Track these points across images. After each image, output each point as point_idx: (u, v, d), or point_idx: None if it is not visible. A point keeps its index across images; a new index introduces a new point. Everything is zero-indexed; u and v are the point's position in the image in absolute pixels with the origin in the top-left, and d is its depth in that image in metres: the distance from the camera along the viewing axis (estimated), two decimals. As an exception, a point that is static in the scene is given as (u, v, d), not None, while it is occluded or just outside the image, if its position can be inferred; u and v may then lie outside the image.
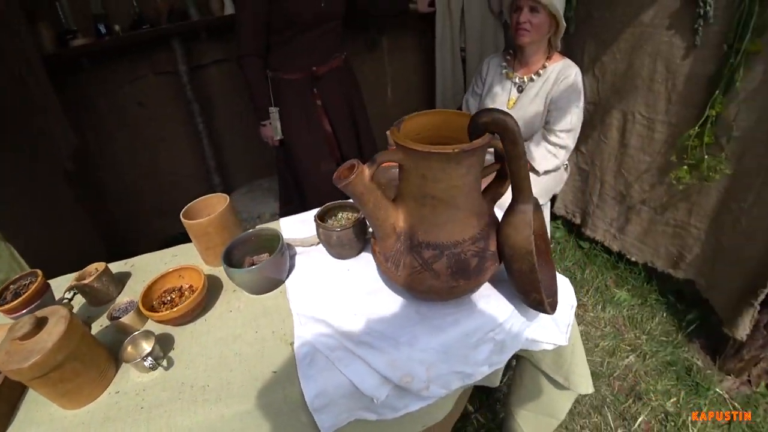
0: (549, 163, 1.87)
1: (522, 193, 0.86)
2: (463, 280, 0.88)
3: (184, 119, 2.72)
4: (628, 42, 1.94)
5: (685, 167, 1.74)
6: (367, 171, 0.80)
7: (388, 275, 0.94)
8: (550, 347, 1.00)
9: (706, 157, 1.67)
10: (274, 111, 2.03)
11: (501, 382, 1.13)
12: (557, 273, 1.03)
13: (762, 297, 1.60)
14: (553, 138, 1.86)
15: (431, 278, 0.87)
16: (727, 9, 1.58)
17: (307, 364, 0.88)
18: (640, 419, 1.68)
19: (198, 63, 2.66)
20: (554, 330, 0.99)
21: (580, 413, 1.71)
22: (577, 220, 2.44)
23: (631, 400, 1.75)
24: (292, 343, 0.93)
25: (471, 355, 0.91)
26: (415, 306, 0.99)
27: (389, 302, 1.01)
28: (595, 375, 1.83)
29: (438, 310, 0.97)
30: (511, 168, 0.84)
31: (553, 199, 2.53)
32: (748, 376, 1.86)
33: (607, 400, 1.75)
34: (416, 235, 0.88)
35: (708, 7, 1.62)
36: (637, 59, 1.91)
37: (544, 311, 0.90)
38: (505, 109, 1.99)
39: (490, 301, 0.99)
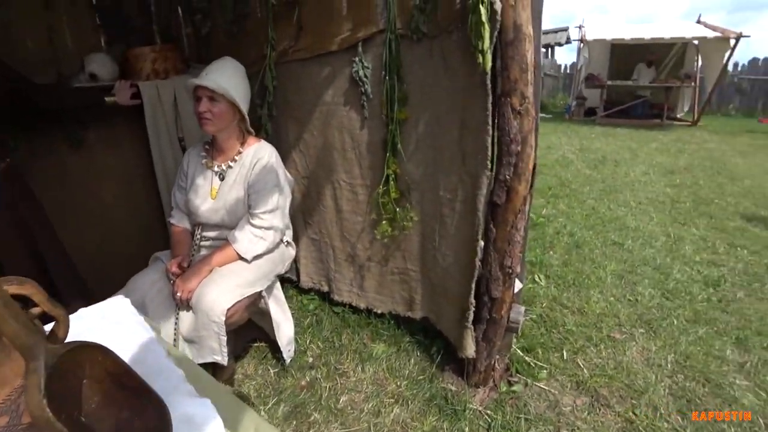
0: (257, 247, 1.81)
1: (19, 350, 0.68)
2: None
3: None
4: (319, 119, 2.08)
5: (385, 222, 1.89)
6: None
7: None
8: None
9: (397, 209, 1.84)
10: None
11: None
12: (198, 398, 0.87)
13: (471, 318, 1.79)
14: (257, 221, 1.81)
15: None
16: (378, 86, 1.81)
17: None
18: (412, 472, 1.64)
19: None
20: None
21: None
22: (325, 288, 2.43)
23: (402, 456, 1.71)
24: None
25: None
26: None
27: None
28: (363, 446, 1.75)
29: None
30: None
31: (299, 274, 2.49)
32: (493, 381, 2.05)
33: (379, 468, 1.68)
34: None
35: (366, 86, 1.85)
36: (329, 133, 2.05)
37: None
38: (209, 200, 1.90)
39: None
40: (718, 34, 9.41)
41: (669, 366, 2.10)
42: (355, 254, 2.17)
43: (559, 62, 14.67)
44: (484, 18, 1.28)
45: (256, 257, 1.83)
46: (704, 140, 8.62)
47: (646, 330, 2.38)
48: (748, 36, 9.14)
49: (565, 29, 12.56)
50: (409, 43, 1.70)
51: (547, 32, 13.07)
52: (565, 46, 13.12)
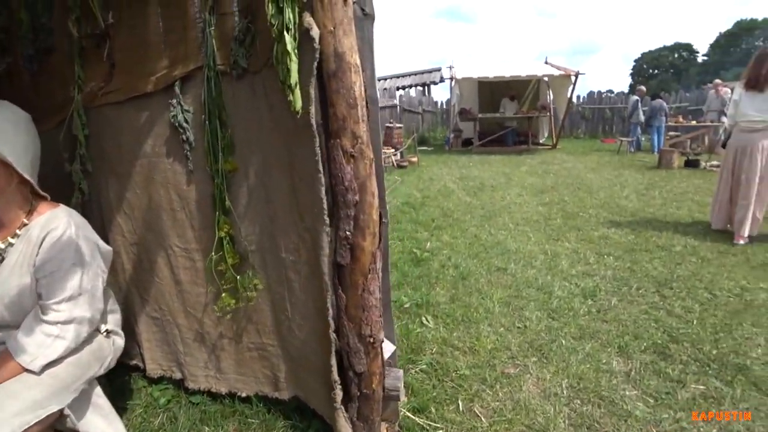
0: (51, 351, 1.29)
1: None
2: None
3: None
4: (141, 174, 1.65)
5: (225, 293, 1.49)
6: None
7: None
8: None
9: (238, 277, 1.46)
10: None
11: None
12: None
13: (339, 397, 1.44)
14: (50, 315, 1.29)
15: None
16: (201, 132, 1.45)
17: None
18: None
19: None
20: None
21: None
22: (177, 375, 1.91)
23: None
24: None
25: None
26: None
27: None
28: None
29: None
30: None
31: (144, 361, 1.95)
32: (386, 455, 1.71)
33: None
34: None
35: (187, 133, 1.47)
36: (154, 191, 1.62)
37: None
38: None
39: None
40: (562, 72, 10.81)
41: (565, 393, 1.95)
42: (205, 331, 1.72)
43: (435, 99, 15.57)
44: (289, 47, 1.01)
45: (51, 364, 1.31)
46: (563, 160, 9.48)
47: (538, 357, 2.23)
48: (584, 73, 10.76)
49: (438, 69, 13.37)
50: (230, 80, 1.38)
51: (423, 72, 13.83)
52: (440, 84, 13.94)
